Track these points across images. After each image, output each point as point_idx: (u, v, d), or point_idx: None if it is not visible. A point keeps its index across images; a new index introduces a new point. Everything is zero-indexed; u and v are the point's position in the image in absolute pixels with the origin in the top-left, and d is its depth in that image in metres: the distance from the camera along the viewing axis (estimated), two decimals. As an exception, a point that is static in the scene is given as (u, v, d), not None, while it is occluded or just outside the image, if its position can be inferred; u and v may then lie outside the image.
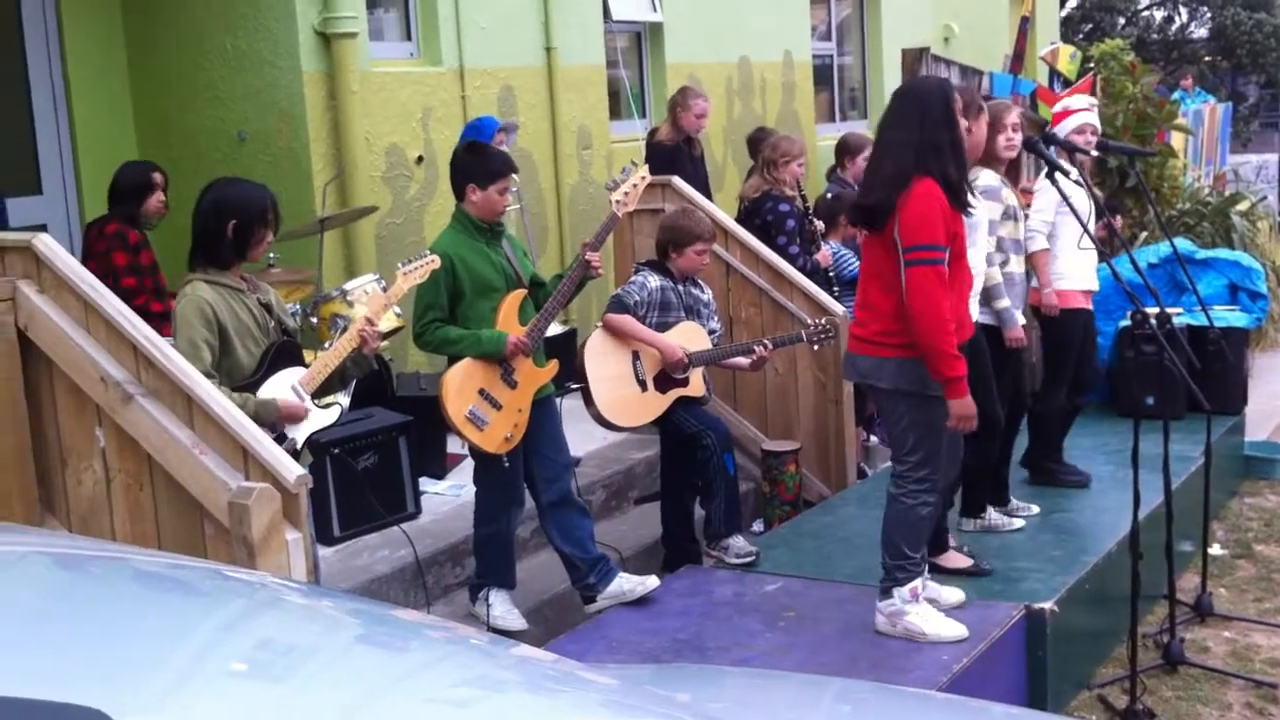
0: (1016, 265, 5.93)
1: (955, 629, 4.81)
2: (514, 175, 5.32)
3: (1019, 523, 6.08)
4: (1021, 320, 5.88)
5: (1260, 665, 5.52)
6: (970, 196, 4.78)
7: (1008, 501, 6.19)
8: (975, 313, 5.38)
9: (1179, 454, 5.83)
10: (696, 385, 5.94)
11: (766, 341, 6.01)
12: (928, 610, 4.85)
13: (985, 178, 5.66)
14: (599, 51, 9.22)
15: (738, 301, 7.05)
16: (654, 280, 5.88)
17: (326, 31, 7.09)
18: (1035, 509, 6.25)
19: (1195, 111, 14.25)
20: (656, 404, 5.83)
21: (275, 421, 4.22)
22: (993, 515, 6.05)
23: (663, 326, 5.85)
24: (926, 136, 4.56)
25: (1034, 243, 6.25)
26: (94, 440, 4.12)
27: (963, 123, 4.77)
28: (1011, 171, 5.95)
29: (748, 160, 8.67)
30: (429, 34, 7.96)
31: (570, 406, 5.79)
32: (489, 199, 5.13)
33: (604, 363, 5.74)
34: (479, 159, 5.21)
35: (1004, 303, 5.79)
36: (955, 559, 5.49)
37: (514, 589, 5.38)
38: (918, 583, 4.84)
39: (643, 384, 5.80)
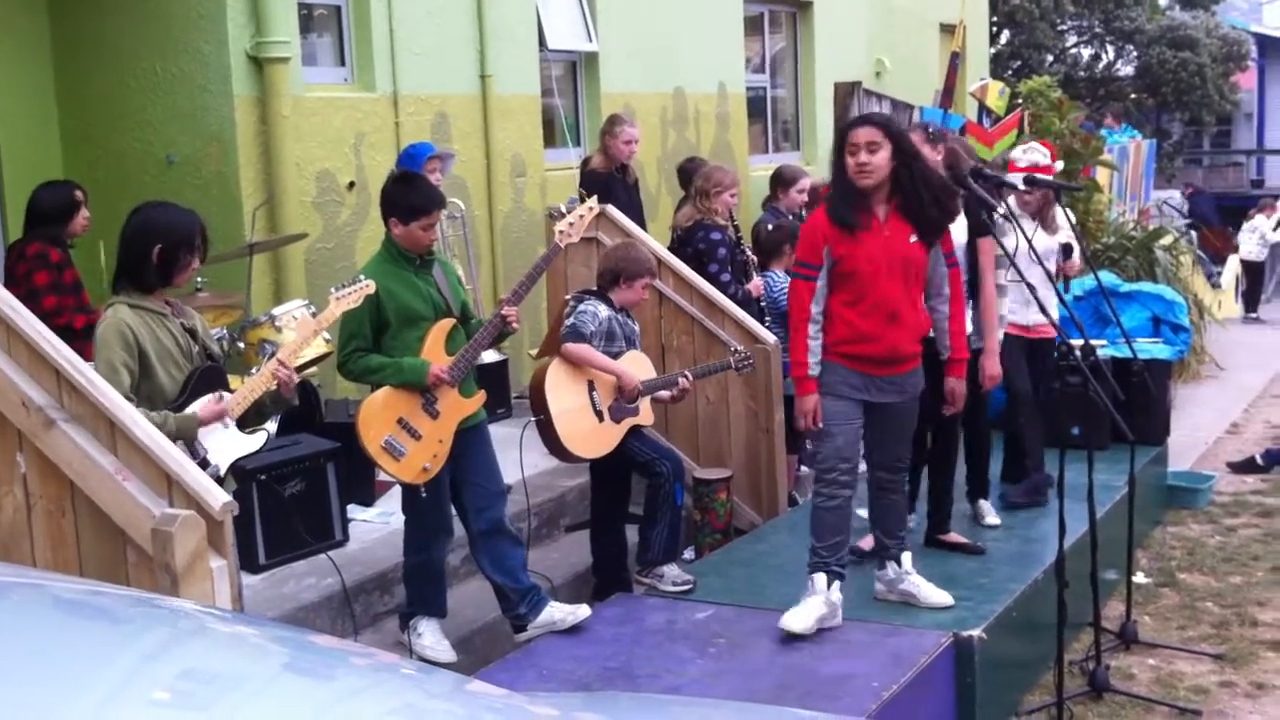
0: None
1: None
2: (441, 210, 5.22)
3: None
4: None
5: (1184, 692, 5.59)
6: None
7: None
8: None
9: (1104, 484, 5.91)
10: (647, 413, 5.94)
11: (687, 373, 6.06)
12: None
13: None
14: (534, 80, 9.23)
15: (670, 330, 7.06)
16: (603, 310, 5.87)
17: (259, 55, 7.04)
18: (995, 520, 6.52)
19: (1121, 148, 14.50)
20: (613, 434, 5.82)
21: (197, 434, 4.16)
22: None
23: (609, 356, 5.84)
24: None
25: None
26: (14, 466, 4.04)
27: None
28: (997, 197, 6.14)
29: (681, 190, 8.72)
30: (363, 59, 7.93)
31: (501, 434, 5.77)
32: (411, 234, 5.08)
33: (564, 395, 5.71)
34: (402, 193, 5.12)
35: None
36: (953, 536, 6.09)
37: (445, 618, 5.33)
38: (829, 578, 5.16)
39: (600, 414, 5.79)
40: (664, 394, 6.00)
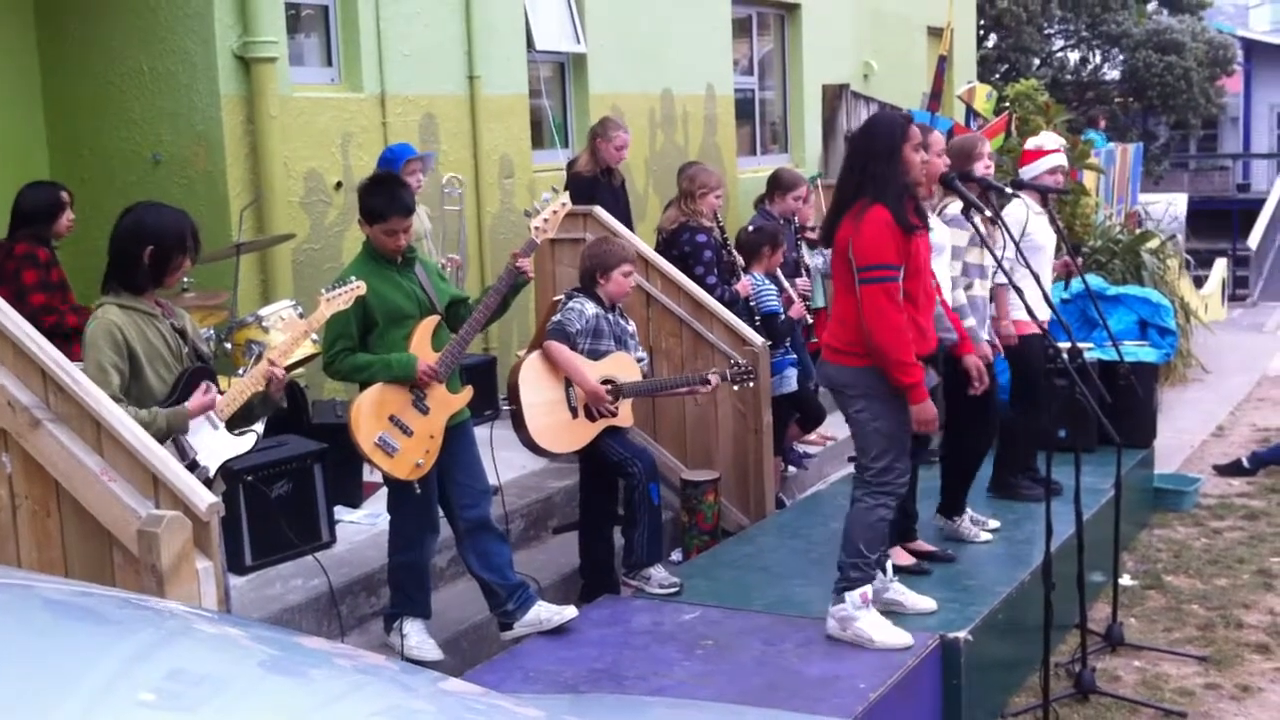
0: (980, 289, 6.17)
1: (901, 637, 5.00)
2: (408, 218, 5.07)
3: (985, 535, 6.30)
4: (985, 337, 6.14)
5: (1170, 694, 5.60)
6: (929, 218, 5.22)
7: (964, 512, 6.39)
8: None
9: (1090, 486, 5.93)
10: (625, 416, 5.94)
11: (712, 375, 6.10)
12: (876, 618, 5.05)
13: (954, 206, 5.87)
14: (522, 81, 9.22)
15: (658, 332, 7.06)
16: (590, 307, 5.88)
17: (246, 55, 7.02)
18: (995, 523, 6.44)
19: (1108, 151, 14.54)
20: (586, 431, 5.81)
21: (188, 428, 4.15)
22: (965, 523, 6.30)
23: (594, 354, 5.84)
24: (870, 168, 4.86)
25: (997, 277, 6.49)
26: (0, 466, 4.02)
27: (920, 155, 5.00)
28: (984, 199, 6.09)
29: (670, 191, 8.71)
30: (350, 60, 7.91)
31: (488, 435, 5.77)
32: (377, 237, 5.08)
33: (538, 387, 5.72)
34: (367, 197, 5.11)
35: (969, 322, 6.00)
36: (904, 556, 5.79)
37: (430, 619, 5.32)
38: (869, 588, 5.04)
39: (574, 411, 5.79)
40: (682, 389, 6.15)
